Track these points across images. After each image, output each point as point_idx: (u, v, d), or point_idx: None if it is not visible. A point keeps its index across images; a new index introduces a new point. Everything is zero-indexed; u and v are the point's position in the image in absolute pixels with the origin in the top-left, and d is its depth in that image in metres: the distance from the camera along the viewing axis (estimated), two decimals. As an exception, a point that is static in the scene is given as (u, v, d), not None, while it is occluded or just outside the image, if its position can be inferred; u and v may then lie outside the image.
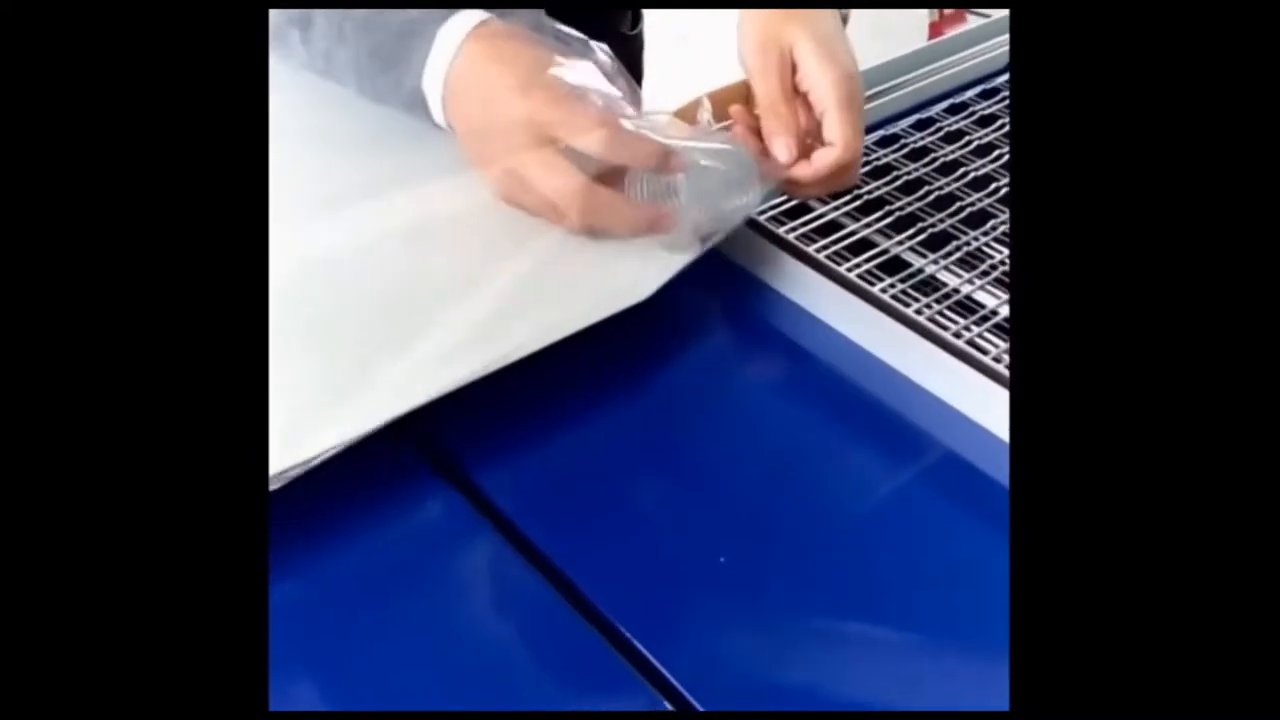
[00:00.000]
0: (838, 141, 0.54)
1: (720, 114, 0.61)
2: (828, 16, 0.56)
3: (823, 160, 0.55)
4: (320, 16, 0.56)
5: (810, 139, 0.56)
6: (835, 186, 0.58)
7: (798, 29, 0.55)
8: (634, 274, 0.53)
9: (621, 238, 0.54)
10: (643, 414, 0.52)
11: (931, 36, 1.18)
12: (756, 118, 0.57)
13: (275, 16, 0.57)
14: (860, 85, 0.55)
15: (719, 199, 0.55)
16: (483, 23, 0.53)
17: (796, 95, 0.56)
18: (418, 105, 0.55)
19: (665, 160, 0.51)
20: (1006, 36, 0.81)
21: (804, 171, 0.55)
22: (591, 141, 0.50)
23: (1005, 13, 0.85)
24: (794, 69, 0.56)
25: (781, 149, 0.55)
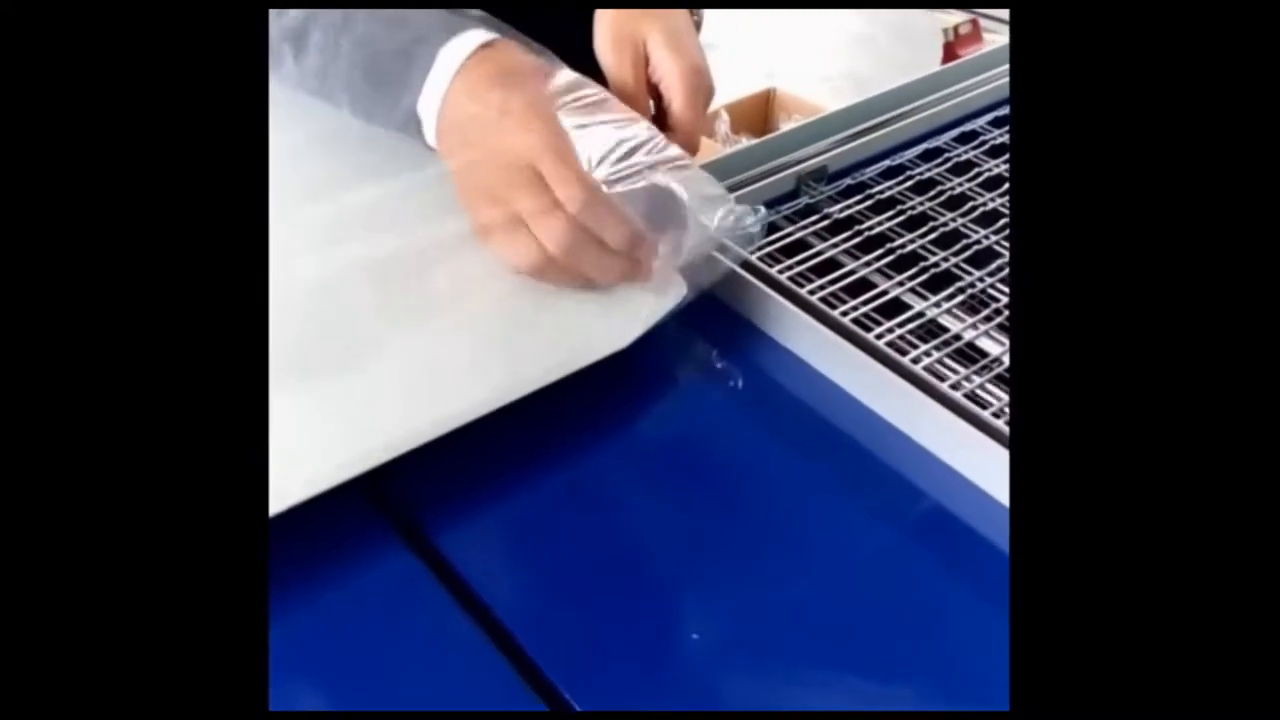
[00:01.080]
0: (678, 129, 0.58)
1: (738, 125, 0.61)
2: (679, 14, 0.59)
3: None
4: (317, 32, 0.54)
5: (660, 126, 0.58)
6: None
7: (650, 25, 0.58)
8: (614, 322, 0.50)
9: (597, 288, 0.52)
10: (615, 465, 0.49)
11: (946, 59, 1.14)
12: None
13: (271, 33, 0.55)
14: (707, 77, 0.59)
15: (692, 221, 0.52)
16: (486, 44, 0.51)
17: (649, 85, 0.59)
18: (411, 125, 0.53)
19: (633, 243, 0.50)
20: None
21: None
22: (568, 198, 0.48)
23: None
24: (646, 61, 0.58)
25: None
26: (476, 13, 0.55)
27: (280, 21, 0.55)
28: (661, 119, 0.59)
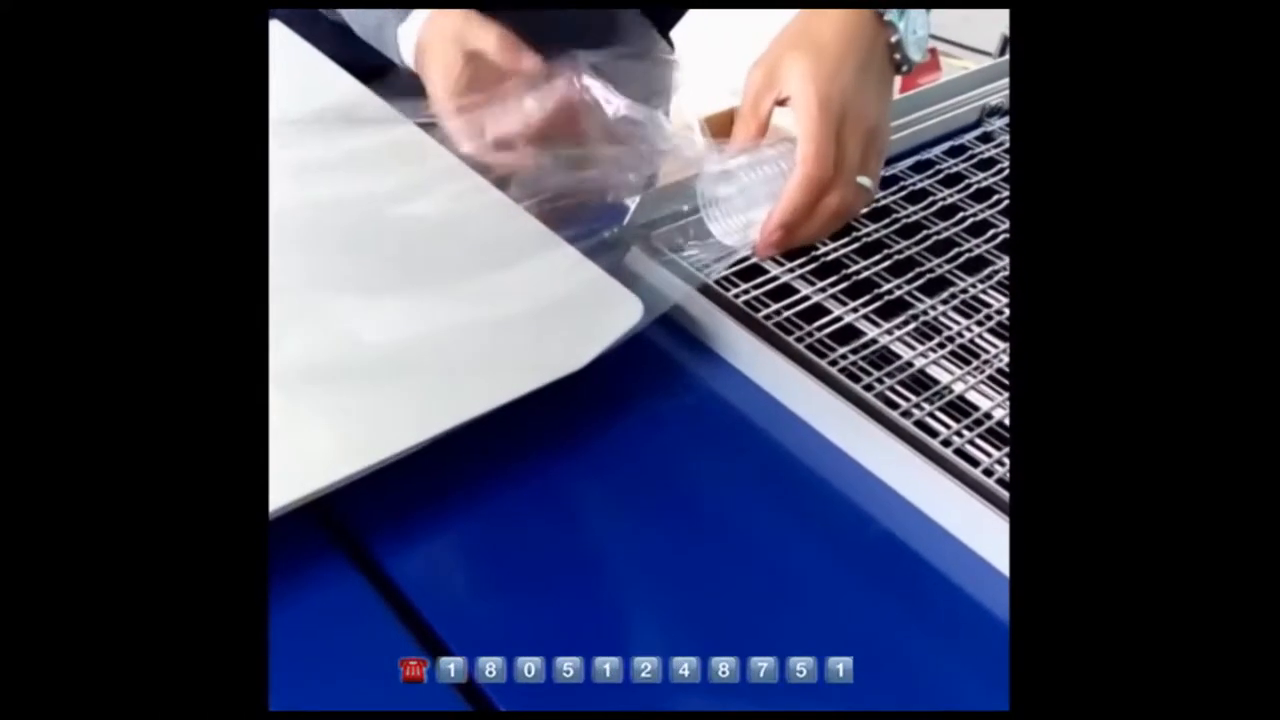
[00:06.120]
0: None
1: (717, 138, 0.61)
2: (831, 58, 0.53)
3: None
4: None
5: None
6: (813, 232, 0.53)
7: (798, 72, 0.53)
8: (570, 343, 0.50)
9: (560, 306, 0.53)
10: (567, 486, 0.49)
11: (904, 88, 1.16)
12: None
13: None
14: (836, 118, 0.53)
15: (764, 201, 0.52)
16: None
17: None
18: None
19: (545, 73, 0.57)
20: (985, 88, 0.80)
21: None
22: (489, 47, 0.57)
23: (993, 60, 0.84)
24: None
25: None
26: None
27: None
28: None
